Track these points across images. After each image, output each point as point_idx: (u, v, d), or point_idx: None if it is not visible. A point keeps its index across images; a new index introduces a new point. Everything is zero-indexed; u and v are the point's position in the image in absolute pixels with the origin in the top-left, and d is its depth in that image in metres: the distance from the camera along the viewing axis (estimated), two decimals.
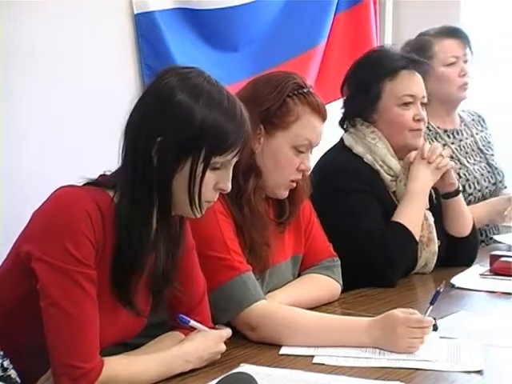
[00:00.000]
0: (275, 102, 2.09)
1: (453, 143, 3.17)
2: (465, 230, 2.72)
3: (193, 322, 1.73)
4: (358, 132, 2.63)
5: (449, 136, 3.16)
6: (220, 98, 1.66)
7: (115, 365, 1.63)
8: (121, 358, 1.69)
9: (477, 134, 3.26)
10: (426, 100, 2.62)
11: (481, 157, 3.20)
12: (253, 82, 2.19)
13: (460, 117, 3.26)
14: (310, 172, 2.20)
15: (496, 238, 3.16)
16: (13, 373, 1.53)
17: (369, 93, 2.58)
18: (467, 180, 3.10)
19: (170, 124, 1.63)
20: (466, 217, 2.72)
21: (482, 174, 3.16)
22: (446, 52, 3.11)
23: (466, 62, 3.14)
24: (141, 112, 1.66)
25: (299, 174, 2.15)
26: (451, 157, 2.98)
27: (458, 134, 3.20)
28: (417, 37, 3.22)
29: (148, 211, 1.67)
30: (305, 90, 2.12)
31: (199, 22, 3.54)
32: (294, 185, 2.16)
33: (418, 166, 2.56)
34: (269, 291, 2.16)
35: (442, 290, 2.10)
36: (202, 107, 1.63)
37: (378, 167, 2.59)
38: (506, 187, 3.26)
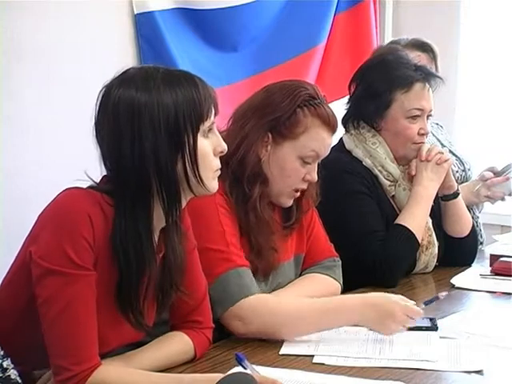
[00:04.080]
0: (285, 111, 2.08)
1: None
2: (464, 231, 2.72)
3: (246, 363, 1.68)
4: (359, 135, 2.62)
5: None
6: (174, 76, 1.67)
7: (109, 371, 1.62)
8: (119, 365, 1.68)
9: (437, 135, 3.31)
10: (432, 113, 2.62)
11: (446, 149, 3.24)
12: (266, 88, 2.17)
13: None
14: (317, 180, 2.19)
15: (496, 237, 3.17)
16: (13, 373, 1.53)
17: (379, 99, 2.56)
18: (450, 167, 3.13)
19: (151, 126, 1.62)
20: (465, 218, 2.73)
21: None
22: None
23: None
24: (116, 132, 1.63)
25: (304, 184, 2.15)
26: None
27: None
28: (388, 44, 3.26)
29: (148, 224, 1.66)
30: (316, 102, 2.10)
31: (199, 22, 3.54)
32: (298, 194, 2.16)
33: (420, 169, 2.57)
34: (272, 291, 2.16)
35: (443, 298, 2.14)
36: (167, 93, 1.63)
37: (377, 172, 2.59)
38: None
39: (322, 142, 2.12)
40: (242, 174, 2.04)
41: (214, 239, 1.98)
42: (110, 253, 1.64)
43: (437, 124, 3.42)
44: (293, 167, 2.11)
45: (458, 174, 3.19)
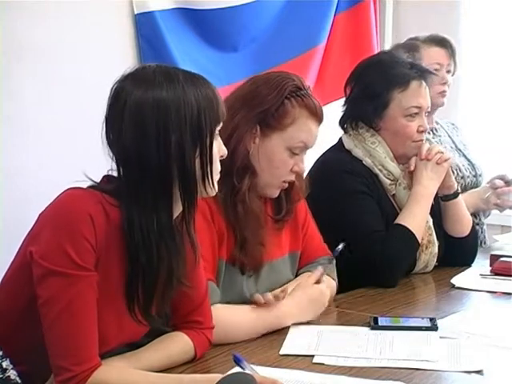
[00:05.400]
0: (273, 103, 2.08)
1: (433, 138, 3.23)
2: (464, 231, 2.72)
3: (245, 364, 1.67)
4: (358, 135, 2.62)
5: (429, 132, 3.21)
6: (193, 75, 1.69)
7: (109, 371, 1.62)
8: (119, 366, 1.68)
9: (452, 136, 3.31)
10: (429, 109, 2.63)
11: (459, 153, 3.25)
12: (251, 80, 2.18)
13: (436, 122, 3.34)
14: (307, 172, 2.19)
15: (496, 237, 3.17)
16: (12, 373, 1.53)
17: (376, 100, 2.56)
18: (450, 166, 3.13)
19: (176, 122, 1.62)
20: (465, 217, 2.73)
21: (463, 165, 3.22)
22: (431, 58, 3.20)
23: (448, 71, 3.25)
24: (137, 127, 1.62)
25: (292, 176, 2.15)
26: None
27: (436, 131, 3.28)
28: (406, 40, 3.30)
29: (170, 218, 1.66)
30: (303, 92, 2.11)
31: (199, 22, 3.54)
32: (286, 185, 2.17)
33: (420, 167, 2.57)
34: (267, 289, 2.15)
35: (339, 249, 2.21)
36: (190, 92, 1.64)
37: (377, 171, 2.59)
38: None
39: (310, 132, 2.12)
40: (232, 167, 2.04)
41: None
42: (115, 252, 1.64)
43: (452, 124, 3.42)
44: (281, 158, 2.11)
45: (468, 180, 3.19)
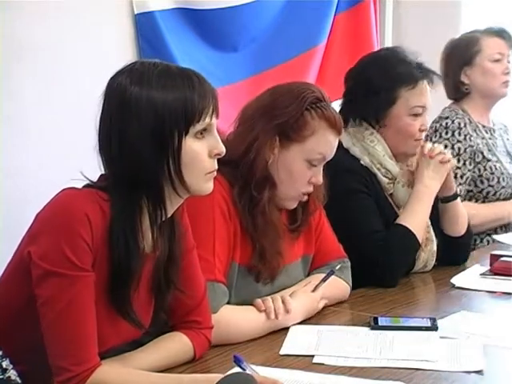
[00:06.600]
0: (293, 115, 2.07)
1: (490, 139, 3.25)
2: (461, 230, 2.71)
3: (245, 364, 1.67)
4: (357, 133, 2.62)
5: (486, 132, 3.24)
6: (170, 74, 1.65)
7: (109, 371, 1.62)
8: (118, 366, 1.68)
9: (503, 139, 3.32)
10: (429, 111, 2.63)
11: (511, 159, 3.25)
12: (273, 90, 2.16)
13: (493, 122, 3.37)
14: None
15: (496, 237, 3.17)
16: (12, 373, 1.53)
17: (382, 97, 2.55)
18: (502, 173, 3.18)
19: (137, 121, 1.61)
20: (463, 218, 2.72)
21: None
22: (493, 48, 3.25)
23: (509, 62, 3.27)
24: (107, 121, 1.64)
25: (310, 187, 2.14)
26: (489, 149, 3.20)
27: (493, 132, 3.30)
28: (463, 34, 3.36)
29: (134, 221, 1.66)
30: (323, 104, 2.10)
31: (199, 22, 3.54)
32: (306, 197, 2.16)
33: (421, 167, 2.57)
34: (278, 290, 2.16)
35: (336, 269, 2.21)
36: (158, 90, 1.62)
37: (376, 170, 2.59)
38: None
39: (329, 144, 2.12)
40: (251, 177, 2.04)
41: (203, 244, 1.95)
42: (107, 250, 1.64)
43: (505, 126, 3.43)
44: (299, 170, 2.11)
45: (510, 190, 3.19)
